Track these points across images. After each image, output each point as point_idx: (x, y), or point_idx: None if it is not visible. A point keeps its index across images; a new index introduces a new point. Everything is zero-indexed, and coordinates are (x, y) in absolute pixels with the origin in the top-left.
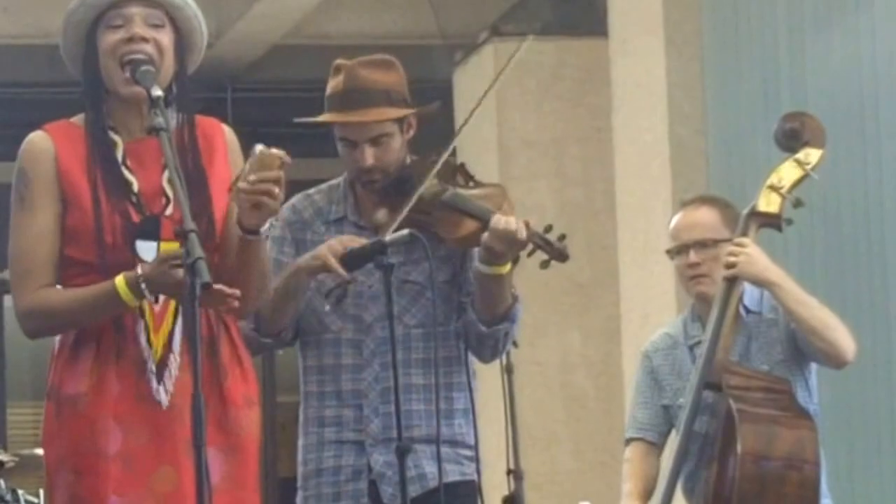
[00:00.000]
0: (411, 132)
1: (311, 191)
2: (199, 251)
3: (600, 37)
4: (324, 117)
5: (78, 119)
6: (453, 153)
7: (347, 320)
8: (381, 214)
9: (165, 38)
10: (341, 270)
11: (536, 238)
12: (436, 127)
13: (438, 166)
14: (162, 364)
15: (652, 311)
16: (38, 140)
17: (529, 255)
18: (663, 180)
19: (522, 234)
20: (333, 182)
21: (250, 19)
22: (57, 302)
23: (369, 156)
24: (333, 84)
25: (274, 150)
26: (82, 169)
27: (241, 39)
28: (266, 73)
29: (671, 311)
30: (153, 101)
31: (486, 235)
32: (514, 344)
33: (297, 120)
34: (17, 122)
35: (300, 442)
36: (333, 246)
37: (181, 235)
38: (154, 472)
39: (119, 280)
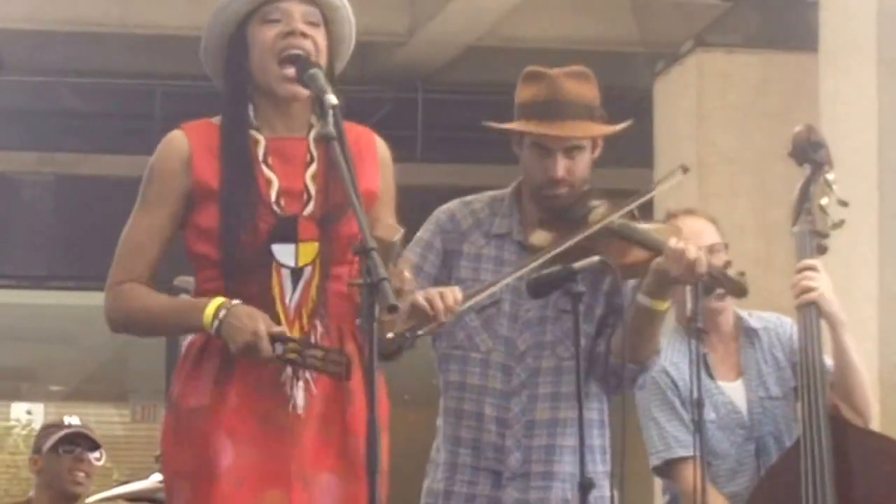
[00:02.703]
0: (597, 152)
1: (471, 199)
2: (382, 271)
3: (809, 51)
4: (523, 126)
5: (218, 119)
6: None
7: (499, 342)
8: (539, 236)
9: (321, 37)
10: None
11: (714, 270)
12: (633, 138)
13: (632, 207)
14: (296, 377)
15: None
16: (174, 139)
17: (707, 289)
18: (869, 204)
19: (702, 262)
20: (496, 193)
21: (445, 18)
22: (134, 299)
23: (561, 167)
24: (532, 92)
25: (389, 238)
26: (217, 170)
27: (434, 39)
28: (459, 75)
29: (872, 332)
30: (328, 110)
31: (660, 259)
32: (710, 375)
33: (487, 124)
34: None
35: (434, 457)
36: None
37: (361, 253)
38: (263, 494)
39: (210, 308)
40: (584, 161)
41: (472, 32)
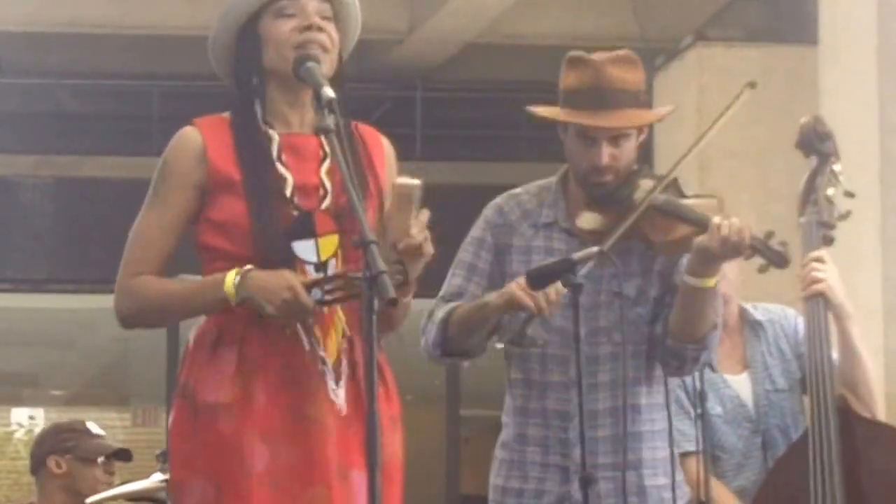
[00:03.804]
0: (643, 135)
1: (518, 190)
2: (381, 264)
3: (809, 44)
4: (567, 115)
5: (228, 114)
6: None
7: (553, 333)
8: (586, 219)
9: (334, 31)
10: (532, 304)
11: (756, 242)
12: None
13: (666, 181)
14: (337, 369)
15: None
16: (188, 134)
17: (747, 258)
18: (871, 196)
19: (745, 236)
20: (543, 183)
21: (444, 16)
22: (148, 287)
23: (606, 154)
24: (575, 78)
25: (410, 182)
26: (233, 162)
27: (433, 37)
28: (458, 72)
29: (877, 323)
30: (325, 103)
31: (703, 237)
32: (712, 368)
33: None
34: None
35: (501, 454)
36: (522, 285)
37: (361, 246)
38: (303, 492)
39: (229, 277)
40: (629, 147)
41: (471, 30)
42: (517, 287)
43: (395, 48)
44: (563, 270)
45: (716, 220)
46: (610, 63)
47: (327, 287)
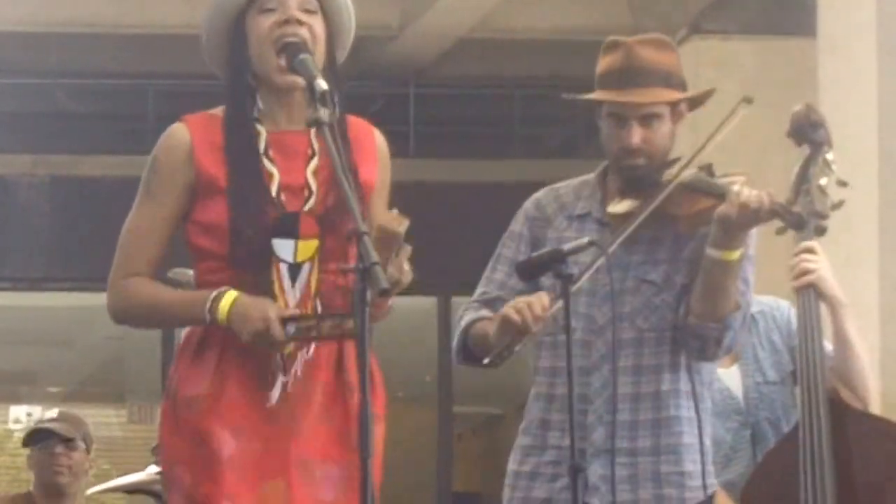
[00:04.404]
0: (681, 122)
1: (559, 185)
2: (373, 255)
3: (807, 36)
4: (596, 95)
5: (219, 110)
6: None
7: (579, 319)
8: (617, 206)
9: (318, 25)
10: (518, 322)
11: (777, 206)
12: None
13: (689, 161)
14: (289, 363)
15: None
16: (176, 131)
17: (765, 221)
18: (869, 192)
19: (764, 201)
20: (584, 178)
21: (436, 11)
22: (140, 293)
23: (636, 135)
24: (609, 61)
25: (395, 228)
26: (220, 161)
27: (426, 32)
28: (451, 68)
29: (874, 321)
30: (318, 95)
31: (722, 206)
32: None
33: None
34: None
35: (520, 441)
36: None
37: (353, 238)
38: (263, 484)
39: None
40: (662, 130)
41: (463, 25)
42: (508, 308)
43: (387, 45)
44: (552, 261)
45: (735, 187)
46: (640, 44)
47: (303, 325)
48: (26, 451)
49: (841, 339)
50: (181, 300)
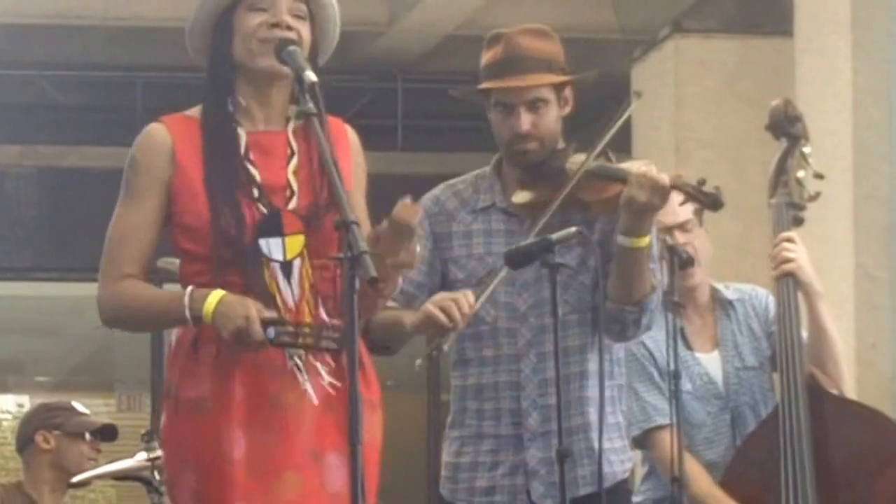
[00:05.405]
0: (567, 108)
1: (454, 181)
2: (363, 244)
3: (785, 35)
4: (482, 85)
5: (194, 111)
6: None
7: (500, 308)
8: (520, 196)
9: (306, 31)
10: (447, 322)
11: (686, 187)
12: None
13: (602, 145)
14: (309, 363)
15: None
16: (156, 132)
17: (681, 204)
18: (845, 185)
19: (664, 178)
20: (478, 172)
21: (424, 8)
22: (133, 297)
23: (525, 121)
24: (491, 53)
25: (409, 209)
26: (200, 162)
27: (413, 29)
28: (439, 64)
29: (849, 310)
30: (307, 86)
31: (626, 189)
32: (687, 345)
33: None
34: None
35: (453, 433)
36: (436, 302)
37: (342, 227)
38: (278, 478)
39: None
40: (549, 116)
41: (451, 22)
42: (432, 306)
43: (375, 40)
44: (540, 251)
45: (635, 169)
46: (520, 34)
47: (285, 330)
48: (64, 439)
49: (817, 325)
50: (169, 300)
